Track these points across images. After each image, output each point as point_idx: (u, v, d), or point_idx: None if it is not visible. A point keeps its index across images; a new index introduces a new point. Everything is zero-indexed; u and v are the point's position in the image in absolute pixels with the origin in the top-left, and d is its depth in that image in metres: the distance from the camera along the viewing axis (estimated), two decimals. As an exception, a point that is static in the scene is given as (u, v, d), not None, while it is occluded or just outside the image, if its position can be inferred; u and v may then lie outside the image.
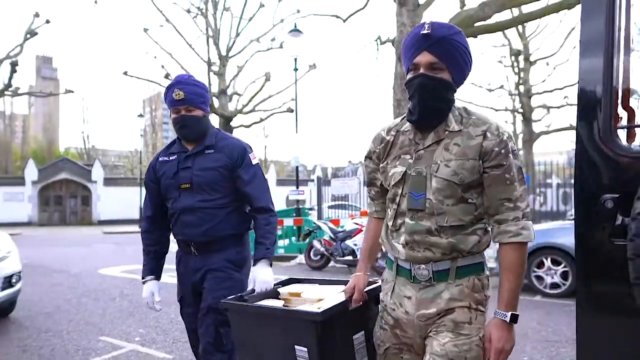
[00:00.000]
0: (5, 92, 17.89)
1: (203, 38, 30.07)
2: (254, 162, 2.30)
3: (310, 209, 13.36)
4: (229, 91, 20.76)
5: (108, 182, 30.96)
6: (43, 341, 4.36)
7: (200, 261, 2.25)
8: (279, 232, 10.73)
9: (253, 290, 2.05)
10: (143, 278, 2.37)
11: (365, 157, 1.70)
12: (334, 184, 11.89)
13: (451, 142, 1.47)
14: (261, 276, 2.09)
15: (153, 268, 2.38)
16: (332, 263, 9.09)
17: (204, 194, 2.22)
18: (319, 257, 9.22)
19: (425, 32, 1.43)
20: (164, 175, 2.31)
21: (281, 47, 19.18)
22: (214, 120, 19.81)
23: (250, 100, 20.17)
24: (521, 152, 19.26)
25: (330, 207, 13.03)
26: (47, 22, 18.92)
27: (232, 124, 20.19)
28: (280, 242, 10.92)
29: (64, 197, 30.28)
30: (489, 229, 1.50)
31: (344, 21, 11.11)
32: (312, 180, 17.94)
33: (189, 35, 69.69)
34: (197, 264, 2.25)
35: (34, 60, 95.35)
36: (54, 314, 5.47)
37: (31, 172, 29.26)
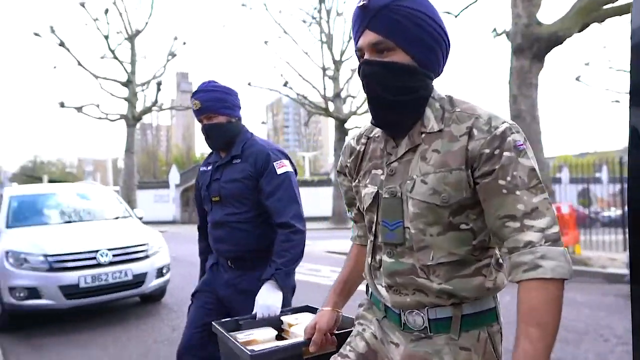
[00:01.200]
0: (152, 108, 20.70)
1: (317, 45, 31.54)
2: (280, 170, 2.03)
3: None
4: (343, 94, 21.43)
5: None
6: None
7: (234, 277, 2.06)
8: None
9: (254, 316, 1.80)
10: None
11: (338, 172, 1.35)
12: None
13: (429, 148, 1.07)
14: (262, 300, 1.84)
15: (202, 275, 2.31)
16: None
17: (231, 207, 2.05)
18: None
19: (361, 3, 1.05)
20: (202, 186, 2.20)
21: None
22: (330, 123, 20.60)
23: (364, 102, 20.58)
24: None
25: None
26: (184, 43, 21.53)
27: (347, 125, 20.82)
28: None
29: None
30: (503, 262, 1.10)
31: (456, 17, 10.87)
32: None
33: (304, 43, 72.79)
34: (230, 279, 2.07)
35: (174, 76, 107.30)
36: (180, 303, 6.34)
37: (174, 176, 33.44)
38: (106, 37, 19.68)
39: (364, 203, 1.18)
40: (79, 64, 18.99)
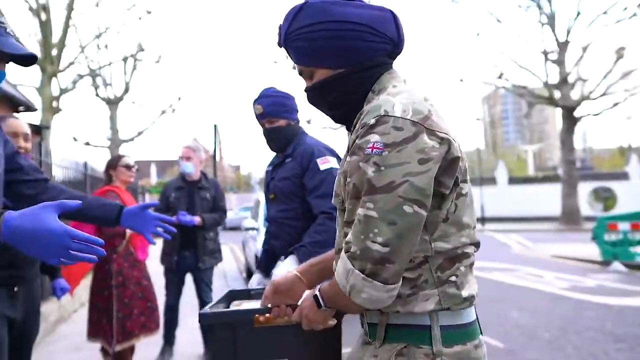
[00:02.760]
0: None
1: (536, 29, 28.52)
2: (324, 167, 2.09)
3: None
4: (571, 78, 18.97)
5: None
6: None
7: None
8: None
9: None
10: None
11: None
12: None
13: None
14: (277, 271, 1.94)
15: (261, 262, 2.34)
16: None
17: (282, 204, 2.17)
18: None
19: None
20: (265, 186, 2.36)
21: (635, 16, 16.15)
22: (558, 111, 18.42)
23: (598, 85, 17.84)
24: None
25: None
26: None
27: (577, 113, 18.37)
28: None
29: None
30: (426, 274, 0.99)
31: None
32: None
33: (520, 29, 66.33)
34: None
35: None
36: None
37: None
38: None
39: None
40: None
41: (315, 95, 1.12)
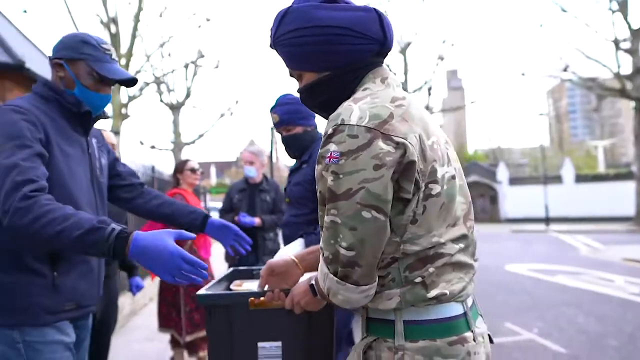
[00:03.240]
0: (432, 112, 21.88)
1: (606, 17, 26.71)
2: None
3: None
4: (646, 68, 17.63)
5: (512, 181, 32.04)
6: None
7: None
8: None
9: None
10: None
11: None
12: None
13: None
14: (282, 250, 1.98)
15: None
16: None
17: (294, 209, 2.23)
18: None
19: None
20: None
21: None
22: (630, 106, 17.19)
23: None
24: None
25: None
26: (452, 45, 22.01)
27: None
28: None
29: (474, 197, 33.39)
30: (397, 273, 1.02)
31: None
32: None
33: (588, 18, 62.37)
34: None
35: (444, 75, 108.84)
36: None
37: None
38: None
39: None
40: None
41: (306, 97, 1.17)
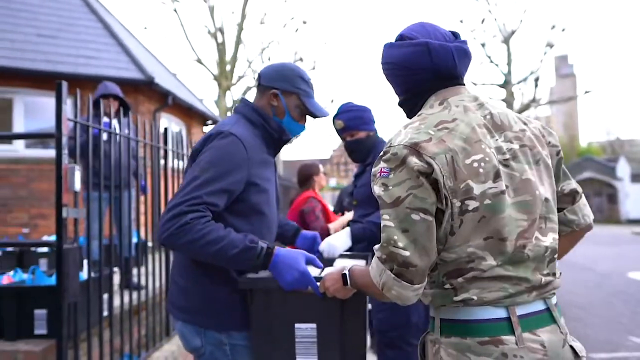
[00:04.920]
0: (530, 105, 20.39)
1: None
2: None
3: None
4: None
5: (635, 178, 28.66)
6: (572, 329, 5.10)
7: None
8: None
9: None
10: None
11: None
12: None
13: None
14: (331, 239, 2.11)
15: None
16: None
17: (361, 209, 2.34)
18: None
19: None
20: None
21: None
22: None
23: None
24: None
25: None
26: (563, 30, 20.18)
27: None
28: None
29: (589, 196, 30.54)
30: (439, 282, 1.17)
31: None
32: None
33: None
34: None
35: (552, 62, 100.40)
36: (586, 307, 6.15)
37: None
38: (483, 45, 20.86)
39: None
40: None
41: (403, 110, 1.37)
